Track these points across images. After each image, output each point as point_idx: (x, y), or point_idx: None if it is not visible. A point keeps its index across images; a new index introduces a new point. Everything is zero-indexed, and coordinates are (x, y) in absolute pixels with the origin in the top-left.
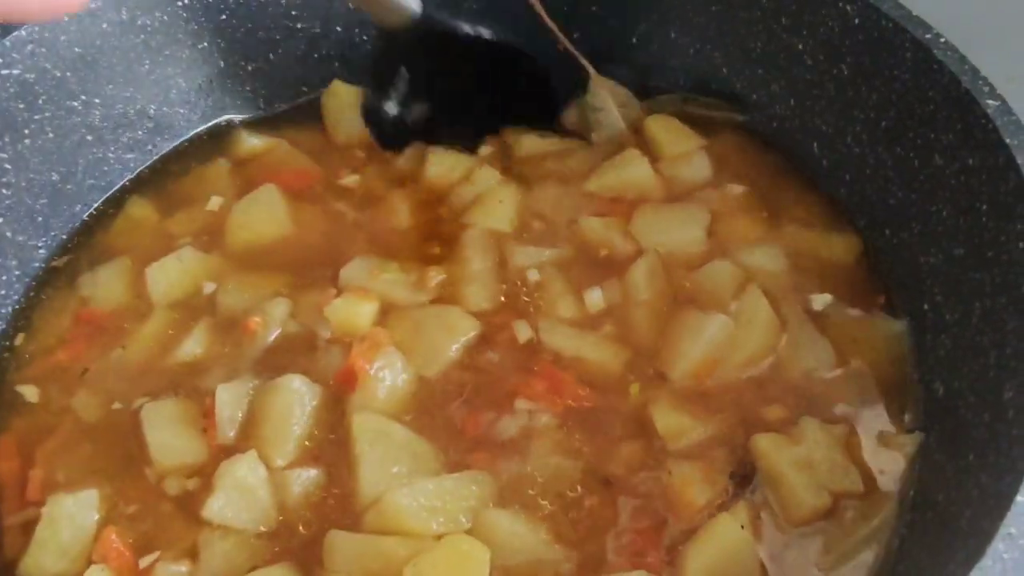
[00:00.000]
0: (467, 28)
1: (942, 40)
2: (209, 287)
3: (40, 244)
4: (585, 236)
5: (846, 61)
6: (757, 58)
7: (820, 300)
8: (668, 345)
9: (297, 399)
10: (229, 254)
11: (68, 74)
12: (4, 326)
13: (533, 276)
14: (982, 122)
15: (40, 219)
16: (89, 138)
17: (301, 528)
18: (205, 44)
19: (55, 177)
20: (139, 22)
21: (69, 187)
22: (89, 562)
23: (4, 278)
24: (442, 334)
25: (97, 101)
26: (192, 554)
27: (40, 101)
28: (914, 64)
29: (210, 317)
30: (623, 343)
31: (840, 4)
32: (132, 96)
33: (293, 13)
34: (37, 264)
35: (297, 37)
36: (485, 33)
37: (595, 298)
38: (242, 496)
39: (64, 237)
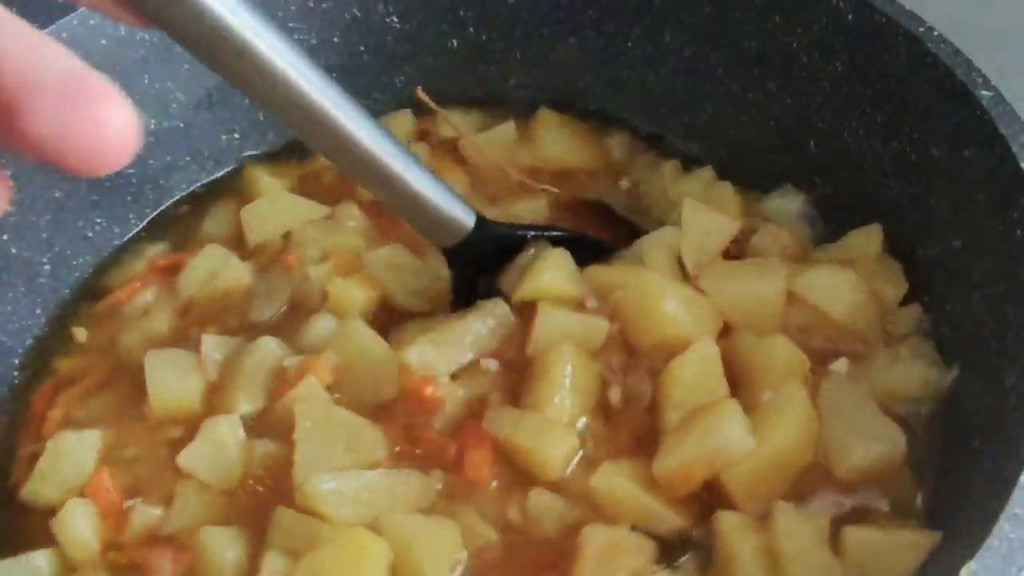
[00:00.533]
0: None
1: (935, 33)
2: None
3: (44, 260)
4: None
5: (840, 58)
6: (751, 58)
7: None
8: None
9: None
10: None
11: None
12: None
13: None
14: (977, 113)
15: (44, 235)
16: None
17: (258, 493)
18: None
19: (58, 194)
20: (137, 37)
21: (71, 203)
22: (81, 495)
23: (11, 295)
24: None
25: None
26: (168, 501)
27: None
28: (908, 58)
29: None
30: None
31: (833, 0)
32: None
33: (290, 24)
34: (43, 280)
35: None
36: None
37: None
38: (215, 451)
39: (68, 253)
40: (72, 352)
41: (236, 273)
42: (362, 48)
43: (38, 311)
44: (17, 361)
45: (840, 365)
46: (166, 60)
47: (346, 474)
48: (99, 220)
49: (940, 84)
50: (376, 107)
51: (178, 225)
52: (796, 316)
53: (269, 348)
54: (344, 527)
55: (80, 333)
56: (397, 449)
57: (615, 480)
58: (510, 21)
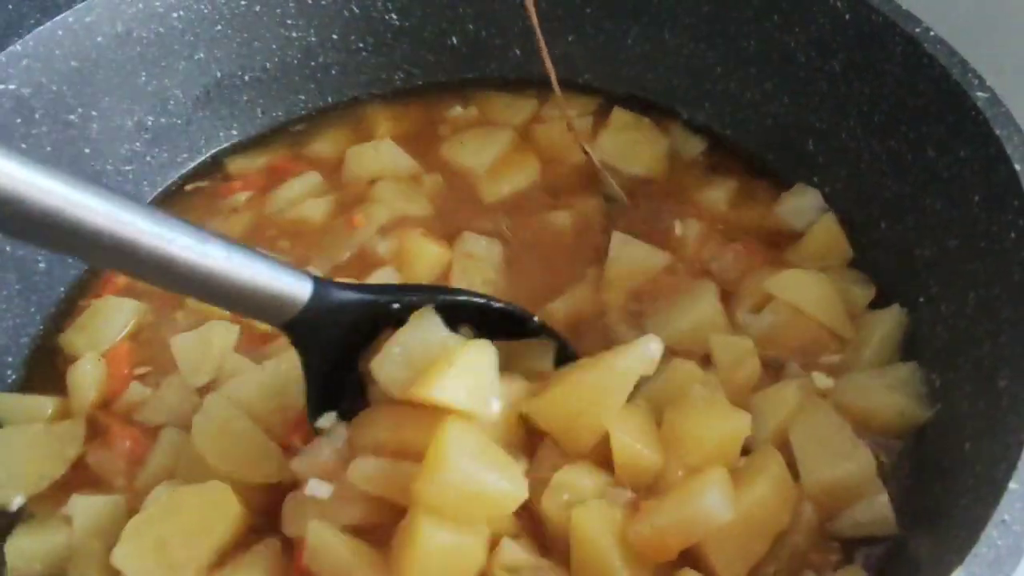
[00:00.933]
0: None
1: (932, 34)
2: None
3: (39, 258)
4: None
5: (838, 57)
6: (749, 57)
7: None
8: None
9: None
10: None
11: (64, 88)
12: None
13: None
14: (972, 114)
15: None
16: (87, 151)
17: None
18: (201, 55)
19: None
20: (135, 34)
21: None
22: (102, 353)
23: (4, 293)
24: None
25: (94, 114)
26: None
27: (37, 115)
28: (904, 58)
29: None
30: None
31: (831, 1)
32: (129, 108)
33: (288, 22)
34: (37, 278)
35: (293, 46)
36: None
37: None
38: (201, 348)
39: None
40: None
41: (311, 209)
42: (360, 45)
43: (32, 309)
44: (11, 359)
45: (825, 380)
46: (163, 57)
47: None
48: None
49: (936, 85)
50: (374, 103)
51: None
52: (771, 315)
53: None
54: None
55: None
56: None
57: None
58: (509, 17)
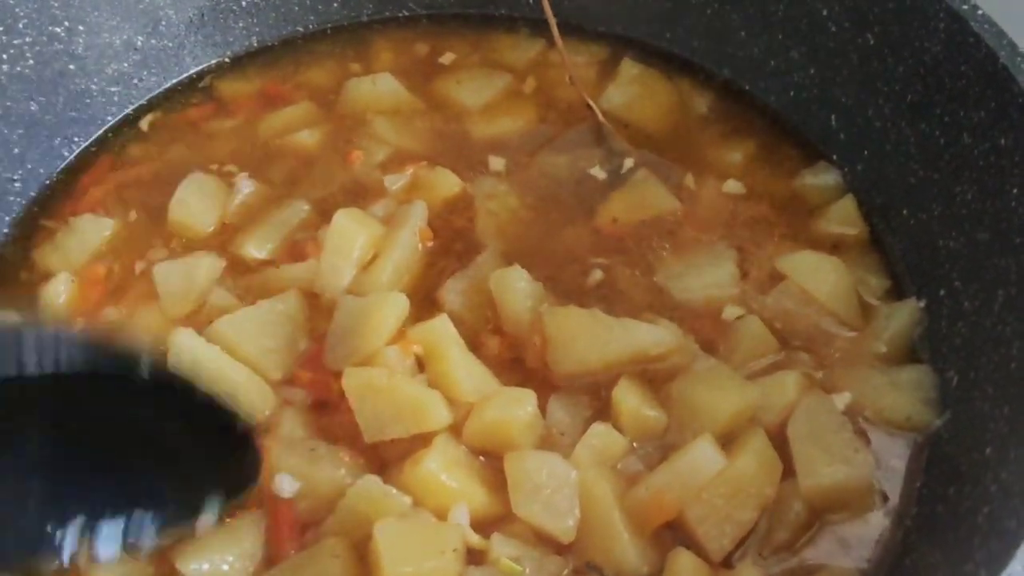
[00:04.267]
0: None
1: (979, 12)
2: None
3: (16, 177)
4: None
5: (873, 30)
6: (778, 22)
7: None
8: None
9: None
10: None
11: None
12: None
13: None
14: (1019, 100)
15: (16, 151)
16: (72, 67)
17: None
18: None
19: (33, 107)
20: None
21: (48, 118)
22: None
23: None
24: None
25: (81, 28)
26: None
27: (21, 25)
28: (947, 36)
29: None
30: None
31: None
32: (119, 26)
33: None
34: (12, 198)
35: None
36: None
37: None
38: (185, 278)
39: (41, 171)
40: (136, 142)
41: (304, 138)
42: None
43: (5, 230)
44: None
45: (842, 399)
46: None
47: None
48: (76, 138)
49: (980, 67)
50: (374, 34)
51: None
52: (781, 297)
53: (299, 210)
54: None
55: (146, 123)
56: None
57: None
58: None
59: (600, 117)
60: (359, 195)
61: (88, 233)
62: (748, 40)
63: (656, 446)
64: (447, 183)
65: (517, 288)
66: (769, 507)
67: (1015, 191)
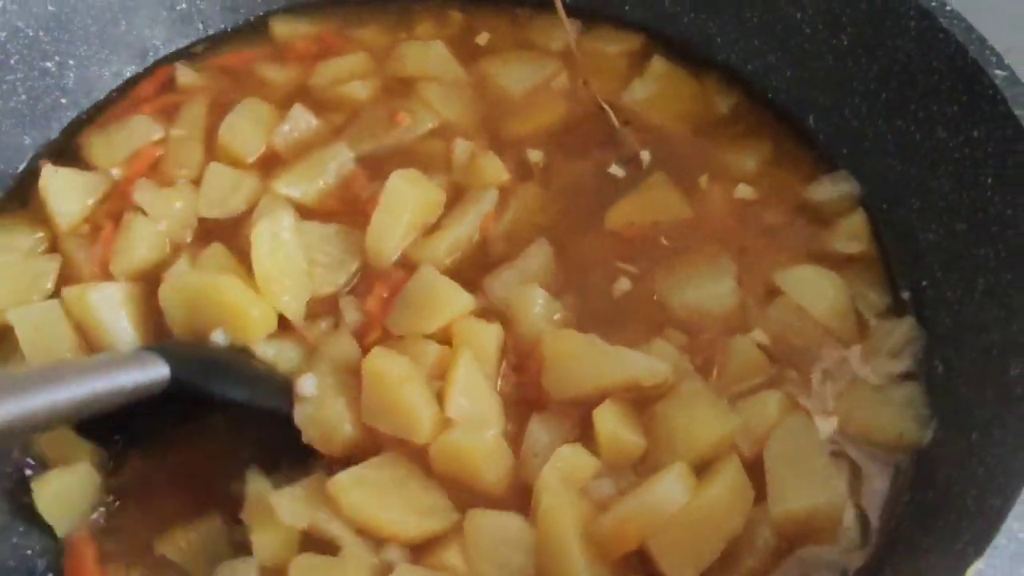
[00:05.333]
0: None
1: (948, 8)
2: None
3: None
4: None
5: (846, 31)
6: (753, 27)
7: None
8: None
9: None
10: None
11: (41, 33)
12: None
13: None
14: (990, 93)
15: (12, 184)
16: (63, 101)
17: None
18: (184, 5)
19: (27, 141)
20: None
21: (42, 151)
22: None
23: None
24: None
25: (71, 63)
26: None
27: (12, 61)
28: (918, 33)
29: None
30: None
31: None
32: (107, 58)
33: None
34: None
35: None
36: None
37: None
38: (222, 191)
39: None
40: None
41: (355, 90)
42: None
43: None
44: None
45: (828, 423)
46: (144, 6)
47: None
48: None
49: (951, 62)
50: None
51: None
52: (778, 312)
53: (342, 155)
54: None
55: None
56: None
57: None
58: None
59: (613, 120)
60: (411, 159)
61: (138, 133)
62: (724, 46)
63: (633, 470)
64: (495, 171)
65: (533, 310)
66: (738, 534)
67: (989, 181)
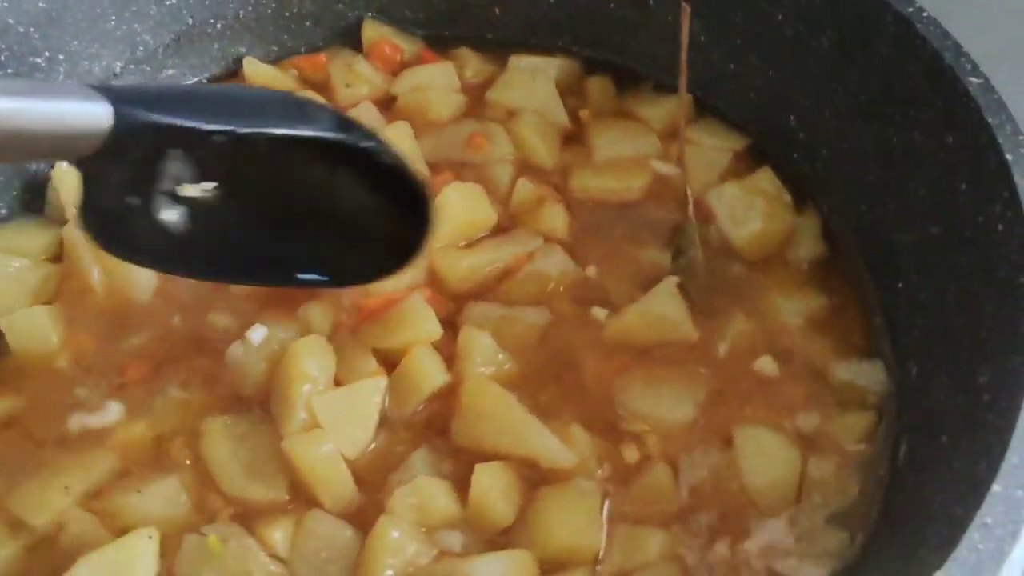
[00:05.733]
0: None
1: (924, 14)
2: None
3: (1, 204)
4: None
5: (826, 34)
6: (735, 29)
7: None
8: None
9: None
10: None
11: (32, 29)
12: None
13: None
14: (964, 100)
15: (1, 179)
16: None
17: None
18: (173, 1)
19: None
20: None
21: None
22: None
23: None
24: None
25: (61, 58)
26: None
27: (2, 57)
28: (896, 38)
29: None
30: None
31: None
32: (97, 53)
33: None
34: None
35: None
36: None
37: None
38: None
39: (28, 198)
40: None
41: (444, 99)
42: None
43: None
44: None
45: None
46: (133, 1)
47: None
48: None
49: (927, 68)
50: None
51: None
52: (715, 458)
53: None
54: None
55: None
56: None
57: None
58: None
59: (690, 212)
60: (478, 174)
61: None
62: (707, 45)
63: (490, 539)
64: (553, 223)
65: (476, 355)
66: None
67: (963, 186)
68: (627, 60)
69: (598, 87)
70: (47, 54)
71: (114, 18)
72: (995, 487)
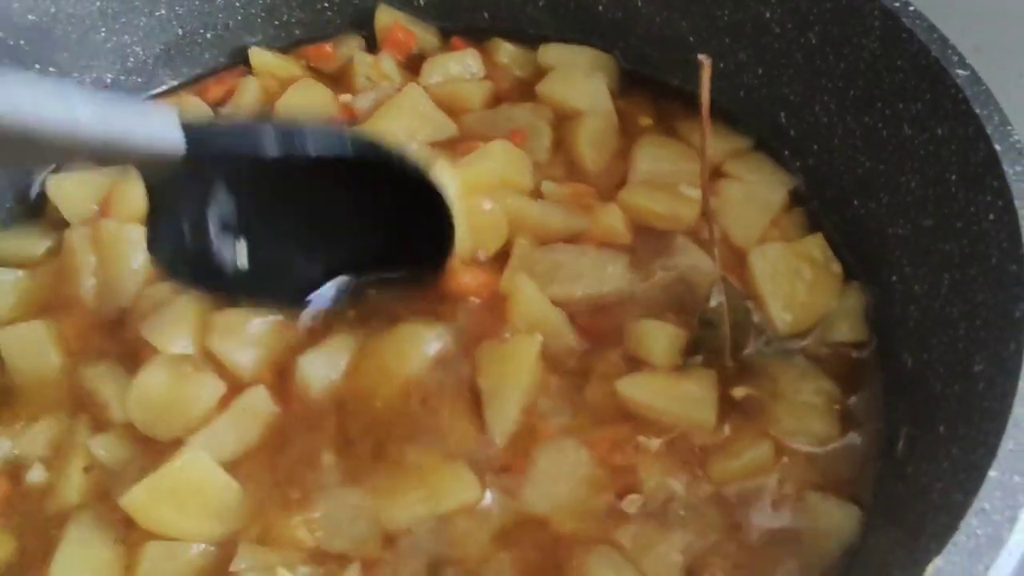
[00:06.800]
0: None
1: (911, 8)
2: None
3: None
4: None
5: (814, 29)
6: (724, 26)
7: None
8: None
9: None
10: None
11: (22, 42)
12: None
13: None
14: (951, 92)
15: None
16: None
17: None
18: (162, 11)
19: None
20: None
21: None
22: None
23: None
24: None
25: (52, 70)
26: None
27: None
28: (883, 33)
29: None
30: None
31: None
32: (87, 65)
33: None
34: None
35: (256, 4)
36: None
37: None
38: None
39: (20, 208)
40: None
41: (472, 89)
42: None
43: None
44: None
45: None
46: (123, 13)
47: None
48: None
49: (915, 61)
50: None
51: None
52: None
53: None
54: None
55: None
56: None
57: None
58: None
59: (716, 266)
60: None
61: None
62: (697, 45)
63: None
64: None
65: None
66: None
67: (954, 178)
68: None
69: (637, 90)
70: (37, 66)
71: (104, 30)
72: (992, 473)
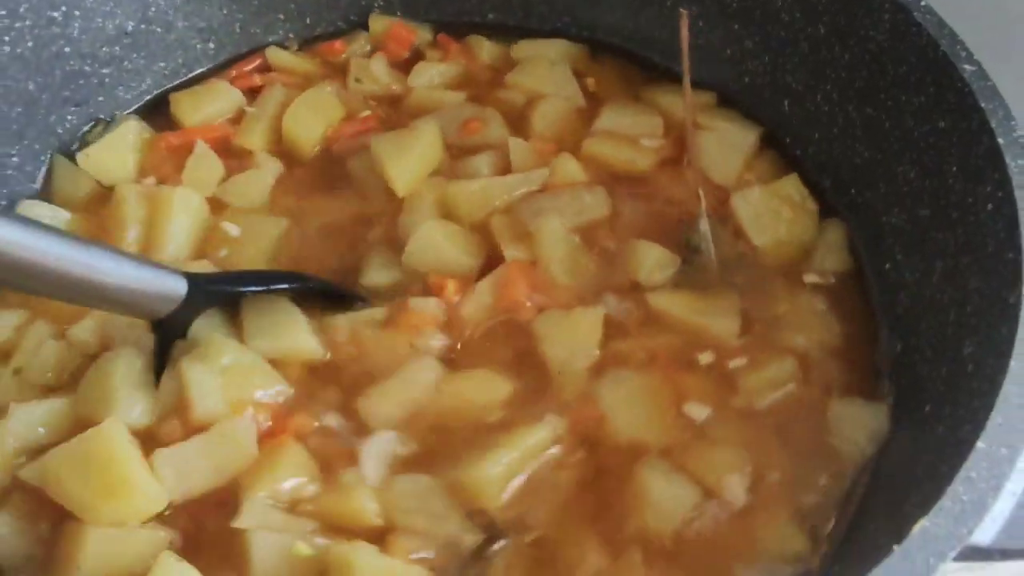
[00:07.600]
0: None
1: (922, 2)
2: None
3: (14, 152)
4: None
5: (823, 20)
6: (732, 13)
7: None
8: None
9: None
10: None
11: None
12: None
13: None
14: (958, 86)
15: (15, 127)
16: (67, 50)
17: None
18: None
19: (31, 87)
20: None
21: (44, 96)
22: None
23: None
24: None
25: (77, 14)
26: None
27: (22, 9)
28: (892, 25)
29: None
30: None
31: None
32: (112, 11)
33: None
34: (10, 172)
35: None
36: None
37: None
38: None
39: (37, 147)
40: None
41: (453, 98)
42: None
43: (3, 203)
44: None
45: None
46: None
47: None
48: (70, 117)
49: (922, 54)
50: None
51: None
52: None
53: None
54: None
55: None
56: None
57: None
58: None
59: (703, 226)
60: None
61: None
62: (704, 30)
63: None
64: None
65: (373, 447)
66: None
67: (953, 170)
68: (626, 43)
69: (607, 66)
70: (64, 8)
71: None
72: (980, 444)
